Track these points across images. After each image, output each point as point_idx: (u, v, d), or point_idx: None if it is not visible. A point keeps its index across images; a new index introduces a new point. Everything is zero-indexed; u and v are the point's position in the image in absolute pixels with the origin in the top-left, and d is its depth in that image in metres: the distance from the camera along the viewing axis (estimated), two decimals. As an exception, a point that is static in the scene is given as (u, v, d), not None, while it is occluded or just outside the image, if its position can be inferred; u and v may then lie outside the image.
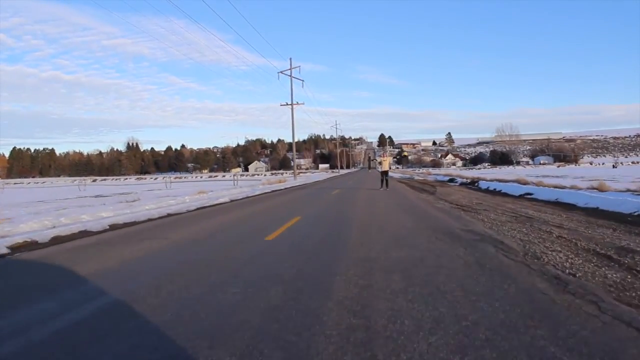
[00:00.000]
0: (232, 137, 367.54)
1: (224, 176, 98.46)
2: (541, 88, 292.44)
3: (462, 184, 21.02)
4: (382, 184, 16.91)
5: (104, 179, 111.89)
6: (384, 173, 17.11)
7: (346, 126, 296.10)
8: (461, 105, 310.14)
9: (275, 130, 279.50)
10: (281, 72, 35.68)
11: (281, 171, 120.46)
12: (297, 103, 36.08)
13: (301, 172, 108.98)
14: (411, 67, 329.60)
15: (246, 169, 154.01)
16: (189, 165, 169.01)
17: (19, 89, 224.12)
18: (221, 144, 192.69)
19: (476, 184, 18.91)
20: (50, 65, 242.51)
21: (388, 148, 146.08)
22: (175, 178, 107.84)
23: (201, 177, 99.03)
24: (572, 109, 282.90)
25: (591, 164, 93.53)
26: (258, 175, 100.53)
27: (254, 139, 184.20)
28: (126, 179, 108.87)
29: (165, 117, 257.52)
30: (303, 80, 36.60)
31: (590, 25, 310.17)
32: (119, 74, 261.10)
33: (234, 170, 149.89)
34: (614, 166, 68.13)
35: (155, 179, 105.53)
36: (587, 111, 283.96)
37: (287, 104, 35.95)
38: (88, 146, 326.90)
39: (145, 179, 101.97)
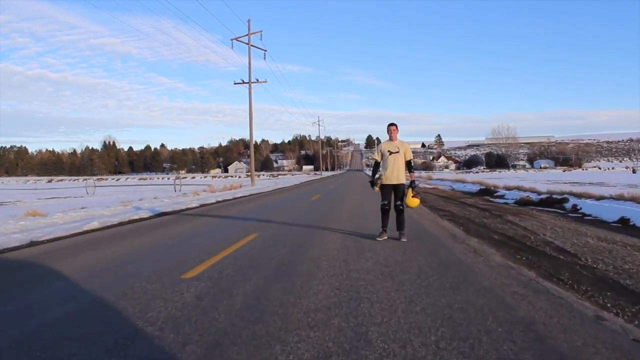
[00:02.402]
0: (218, 138, 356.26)
1: (193, 177, 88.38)
2: (530, 92, 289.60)
3: (522, 202, 11.26)
4: (385, 220, 5.67)
5: (61, 180, 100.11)
6: (394, 190, 5.60)
7: (333, 128, 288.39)
8: (450, 108, 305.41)
9: (263, 131, 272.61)
10: (236, 38, 25.76)
11: (262, 172, 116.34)
12: (258, 81, 26.24)
13: (280, 174, 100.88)
14: (399, 69, 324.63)
15: (226, 170, 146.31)
16: (165, 165, 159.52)
17: (4, 87, 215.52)
18: (207, 144, 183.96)
19: (574, 208, 9.16)
20: (37, 64, 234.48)
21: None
22: (140, 179, 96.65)
23: (168, 179, 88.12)
24: (560, 113, 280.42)
25: (600, 168, 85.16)
26: (233, 177, 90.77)
27: (239, 139, 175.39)
28: (85, 179, 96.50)
29: (153, 117, 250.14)
30: (266, 51, 26.81)
31: (577, 31, 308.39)
32: (107, 73, 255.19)
33: (212, 171, 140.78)
34: (633, 171, 59.90)
35: (118, 179, 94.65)
36: (575, 116, 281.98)
37: (242, 82, 26.06)
38: (74, 145, 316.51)
39: (105, 179, 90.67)
